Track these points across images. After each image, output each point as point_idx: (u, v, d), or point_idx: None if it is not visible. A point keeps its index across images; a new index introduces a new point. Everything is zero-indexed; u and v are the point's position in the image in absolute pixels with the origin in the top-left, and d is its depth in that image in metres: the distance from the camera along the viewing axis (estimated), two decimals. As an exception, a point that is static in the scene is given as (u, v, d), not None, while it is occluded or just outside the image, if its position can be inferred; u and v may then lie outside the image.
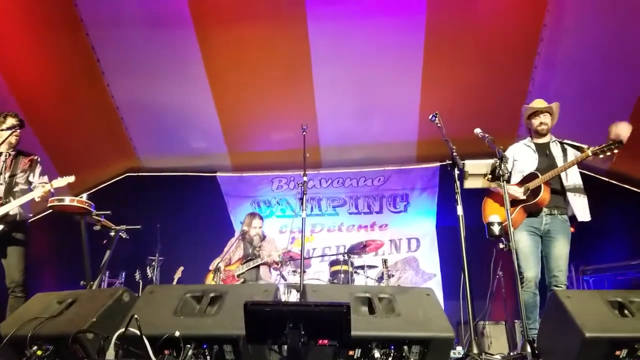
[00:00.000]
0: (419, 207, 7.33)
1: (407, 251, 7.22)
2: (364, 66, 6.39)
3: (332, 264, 5.95)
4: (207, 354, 2.38)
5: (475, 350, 2.72)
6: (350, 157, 7.59)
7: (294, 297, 4.98)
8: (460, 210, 3.15)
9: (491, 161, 3.48)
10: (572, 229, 3.81)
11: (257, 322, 2.12)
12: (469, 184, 3.61)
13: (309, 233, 6.98)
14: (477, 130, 3.78)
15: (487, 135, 3.63)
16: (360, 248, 5.90)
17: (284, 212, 7.72)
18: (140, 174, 8.04)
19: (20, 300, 3.74)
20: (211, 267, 5.34)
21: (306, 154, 4.09)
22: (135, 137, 7.55)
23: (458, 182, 3.26)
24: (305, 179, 3.86)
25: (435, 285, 6.72)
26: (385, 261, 5.92)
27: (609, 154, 3.43)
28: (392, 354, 2.44)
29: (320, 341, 2.13)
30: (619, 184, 6.95)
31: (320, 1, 5.76)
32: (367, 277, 5.81)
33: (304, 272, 5.15)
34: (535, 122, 3.88)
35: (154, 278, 5.94)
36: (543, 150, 3.84)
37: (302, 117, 6.82)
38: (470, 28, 5.83)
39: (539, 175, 3.66)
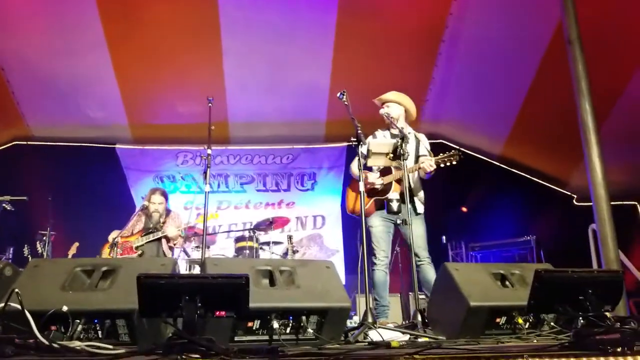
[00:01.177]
0: (325, 185, 7.52)
1: (312, 228, 7.40)
2: (276, 42, 6.33)
3: (238, 240, 5.95)
4: (98, 329, 2.30)
5: (369, 320, 2.88)
6: (260, 134, 7.56)
7: (197, 272, 4.92)
8: (362, 186, 3.29)
9: (393, 141, 3.66)
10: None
11: (151, 295, 2.07)
12: (372, 162, 3.78)
13: (214, 210, 6.89)
14: (382, 111, 3.97)
15: (391, 115, 3.84)
16: (266, 225, 5.94)
17: (189, 188, 7.53)
18: (29, 142, 7.38)
19: None
20: (109, 238, 5.09)
21: (211, 126, 4.01)
22: (24, 102, 6.89)
23: (362, 159, 3.41)
24: (209, 151, 3.79)
25: (338, 261, 6.98)
26: (290, 237, 6.03)
27: (448, 164, 3.81)
28: (290, 324, 2.52)
29: (218, 313, 2.14)
30: (508, 168, 7.66)
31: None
32: (272, 253, 5.89)
33: (208, 247, 5.12)
34: (382, 111, 4.13)
35: (44, 254, 5.54)
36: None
37: (210, 90, 6.60)
38: (380, 14, 6.00)
39: (393, 171, 4.00)
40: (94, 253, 5.45)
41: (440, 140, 7.48)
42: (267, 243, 5.94)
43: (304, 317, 2.54)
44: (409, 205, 3.60)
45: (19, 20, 5.79)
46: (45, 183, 6.44)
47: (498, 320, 2.77)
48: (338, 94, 3.70)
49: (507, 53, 6.11)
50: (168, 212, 5.44)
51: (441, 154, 3.87)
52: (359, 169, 3.39)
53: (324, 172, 7.57)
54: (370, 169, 4.12)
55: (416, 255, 3.70)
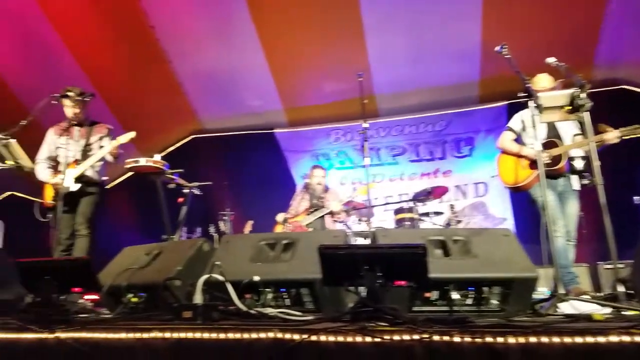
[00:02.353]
0: (485, 150, 7.02)
1: (474, 196, 7.01)
2: (416, 4, 6.07)
3: (397, 212, 5.94)
4: (285, 297, 2.47)
5: (561, 291, 2.61)
6: (408, 103, 7.35)
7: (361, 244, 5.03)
8: (538, 145, 2.98)
9: (569, 91, 3.23)
10: None
11: (332, 265, 2.16)
12: (545, 118, 3.38)
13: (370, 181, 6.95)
14: (551, 60, 3.51)
15: (562, 63, 3.38)
16: (424, 195, 5.82)
17: (343, 164, 7.70)
18: (203, 135, 8.28)
19: (82, 239, 4.01)
20: (278, 219, 5.49)
21: (364, 100, 3.99)
22: (195, 100, 7.72)
23: (535, 116, 3.07)
24: (365, 125, 3.78)
25: (508, 230, 6.50)
26: (452, 206, 5.82)
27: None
28: (471, 296, 2.42)
29: (397, 282, 2.14)
30: None
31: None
32: (434, 224, 5.75)
33: (368, 220, 5.20)
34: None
35: (226, 231, 6.21)
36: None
37: (354, 65, 6.64)
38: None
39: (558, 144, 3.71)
40: (266, 228, 5.93)
41: (622, 87, 6.47)
42: (427, 214, 5.82)
43: (485, 288, 2.41)
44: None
45: (189, 27, 6.44)
46: (220, 170, 7.20)
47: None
48: (497, 48, 3.36)
49: None
50: (327, 188, 5.65)
51: (627, 127, 3.45)
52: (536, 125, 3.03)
53: (481, 136, 7.10)
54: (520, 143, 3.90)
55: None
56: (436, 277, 2.32)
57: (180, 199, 4.69)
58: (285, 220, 5.19)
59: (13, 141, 3.73)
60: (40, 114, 3.87)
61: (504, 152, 4.07)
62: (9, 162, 3.73)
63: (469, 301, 2.42)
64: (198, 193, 4.65)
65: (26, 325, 1.95)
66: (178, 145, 8.28)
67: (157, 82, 7.12)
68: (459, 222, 5.76)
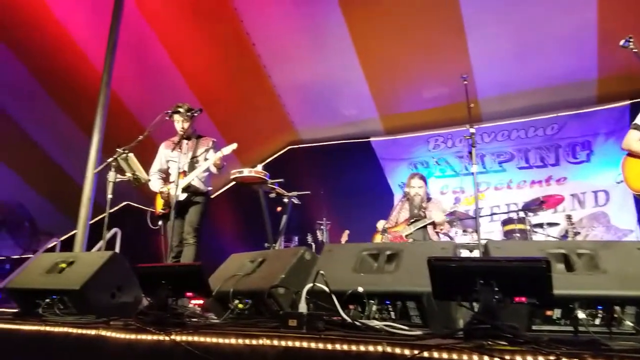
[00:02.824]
0: (604, 155, 6.33)
1: (593, 206, 6.34)
2: (521, 2, 5.69)
3: (505, 222, 5.56)
4: (390, 309, 2.37)
5: None
6: (515, 106, 6.91)
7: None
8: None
9: None
10: None
11: (443, 278, 2.02)
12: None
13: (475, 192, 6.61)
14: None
15: None
16: (536, 204, 5.39)
17: (444, 172, 7.41)
18: (300, 145, 8.46)
19: (190, 247, 4.20)
20: (378, 227, 5.38)
21: (470, 104, 3.77)
22: (292, 111, 7.95)
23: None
24: (472, 130, 3.57)
25: (634, 243, 5.81)
26: (569, 217, 5.32)
27: None
28: (599, 315, 2.15)
29: (517, 299, 1.95)
30: None
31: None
32: (548, 236, 5.29)
33: (474, 231, 4.91)
34: None
35: (323, 240, 6.25)
36: None
37: (455, 69, 6.39)
38: None
39: None
40: (363, 239, 5.84)
41: None
42: (540, 225, 5.38)
43: (617, 308, 2.12)
44: None
45: (286, 41, 6.64)
46: (316, 179, 7.27)
47: None
48: (621, 42, 3.03)
49: None
50: (429, 198, 5.43)
51: None
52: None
53: (601, 139, 6.42)
54: None
55: None
56: (559, 293, 2.08)
57: (279, 208, 4.79)
58: (384, 230, 5.07)
59: (131, 155, 4.04)
60: (154, 129, 4.19)
61: (631, 154, 3.62)
62: (128, 175, 4.04)
63: (597, 321, 2.15)
64: (297, 202, 4.72)
65: (145, 326, 2.06)
66: (276, 155, 8.53)
67: (257, 96, 7.44)
68: (576, 234, 5.24)
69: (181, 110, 4.33)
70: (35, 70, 7.00)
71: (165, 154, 4.56)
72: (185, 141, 4.42)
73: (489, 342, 1.68)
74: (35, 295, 2.97)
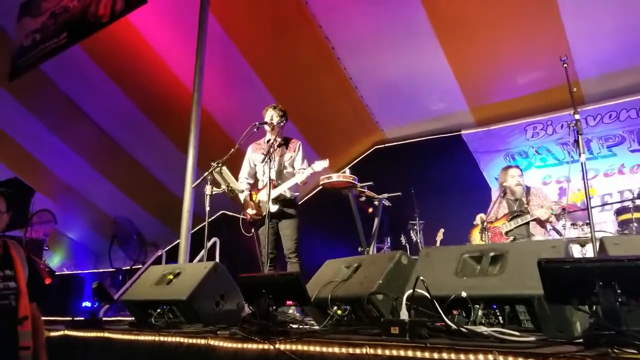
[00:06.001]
0: None
1: None
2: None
3: (619, 212, 5.06)
4: (497, 314, 2.23)
5: None
6: (620, 85, 6.25)
7: (577, 252, 4.38)
8: None
9: None
10: None
11: (556, 281, 1.87)
12: None
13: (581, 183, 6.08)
14: None
15: None
16: (656, 190, 4.84)
17: (545, 162, 6.91)
18: (386, 145, 8.35)
19: (294, 265, 4.25)
20: (476, 221, 5.12)
21: (573, 88, 3.46)
22: (376, 111, 7.88)
23: None
24: (577, 117, 3.27)
25: None
26: (694, 202, 4.72)
27: None
28: None
29: (647, 301, 1.75)
30: None
31: None
32: (670, 225, 4.72)
33: (587, 224, 4.51)
34: None
35: (418, 241, 6.10)
36: None
37: (551, 52, 5.94)
38: None
39: None
40: (460, 237, 5.63)
41: None
42: (661, 212, 4.81)
43: None
44: None
45: (365, 37, 6.59)
46: (406, 178, 7.12)
47: None
48: None
49: None
50: (528, 189, 5.08)
51: None
52: None
53: None
54: None
55: None
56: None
57: (370, 210, 4.73)
58: (484, 228, 4.81)
59: (225, 168, 4.17)
60: (245, 141, 4.32)
61: None
62: (223, 187, 4.21)
63: None
64: (388, 204, 4.64)
65: (250, 336, 2.13)
66: (362, 157, 8.50)
67: (340, 99, 7.49)
68: None
69: (268, 121, 4.42)
70: (133, 95, 7.65)
71: (253, 158, 4.63)
72: (272, 145, 4.41)
73: (615, 350, 1.55)
74: (148, 306, 3.22)
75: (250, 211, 4.43)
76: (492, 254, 2.47)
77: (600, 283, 1.76)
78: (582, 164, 3.13)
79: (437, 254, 2.66)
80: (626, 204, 5.08)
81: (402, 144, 8.18)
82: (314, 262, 3.35)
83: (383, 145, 8.41)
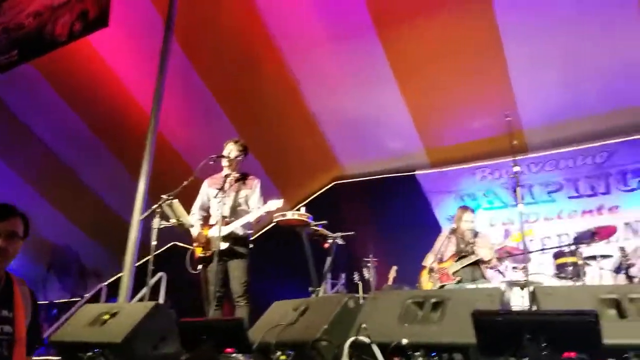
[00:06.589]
0: (658, 181, 6.06)
1: (648, 234, 6.05)
2: (566, 32, 5.64)
3: (557, 256, 5.35)
4: (436, 361, 2.33)
5: None
6: (562, 135, 6.71)
7: (517, 296, 4.60)
8: None
9: None
10: None
11: (489, 332, 1.98)
12: None
13: (525, 225, 6.39)
14: None
15: None
16: (588, 236, 5.15)
17: (492, 204, 7.23)
18: (345, 181, 8.49)
19: (243, 308, 4.08)
20: (425, 263, 5.30)
21: (513, 141, 3.72)
22: (336, 147, 8.02)
23: None
24: (517, 168, 3.50)
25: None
26: (622, 249, 5.10)
27: None
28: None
29: (566, 354, 1.89)
30: None
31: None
32: (601, 269, 5.06)
33: (525, 267, 4.75)
34: None
35: (370, 279, 6.18)
36: None
37: (499, 101, 6.36)
38: None
39: None
40: (411, 275, 5.75)
41: None
42: (594, 257, 5.14)
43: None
44: None
45: (329, 74, 6.79)
46: (363, 215, 7.26)
47: None
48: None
49: None
50: (476, 233, 5.32)
51: None
52: None
53: (654, 166, 6.16)
54: None
55: None
56: (611, 343, 2.00)
57: (326, 245, 4.77)
58: (431, 269, 5.00)
59: (176, 201, 4.03)
60: (200, 174, 4.26)
61: None
62: (172, 221, 4.11)
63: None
64: (341, 242, 4.72)
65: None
66: (321, 191, 8.59)
67: (301, 133, 7.60)
68: (630, 266, 5.00)
69: (225, 155, 4.34)
70: (85, 116, 7.39)
71: (208, 193, 4.47)
72: (229, 181, 4.29)
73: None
74: (79, 348, 2.93)
75: (199, 247, 4.29)
76: (433, 300, 2.57)
77: (528, 336, 1.88)
78: (519, 213, 3.34)
79: (383, 298, 2.74)
80: (563, 248, 5.39)
81: (360, 180, 8.31)
82: (265, 301, 3.33)
83: (343, 181, 8.52)
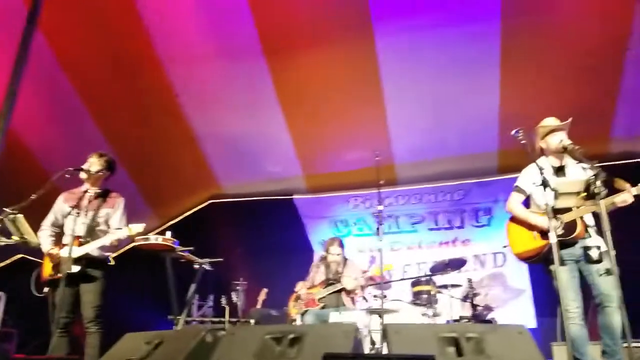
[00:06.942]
0: (503, 220, 6.85)
1: (493, 266, 6.83)
2: (437, 78, 6.21)
3: (414, 284, 5.84)
4: (290, 399, 2.35)
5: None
6: (427, 172, 7.38)
7: (375, 323, 4.86)
8: (553, 237, 2.92)
9: (584, 178, 3.20)
10: None
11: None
12: (560, 203, 3.32)
13: (388, 253, 6.82)
14: (566, 142, 3.46)
15: (577, 146, 3.36)
16: (442, 268, 5.70)
17: (362, 231, 7.64)
18: (222, 200, 8.35)
19: (94, 335, 3.76)
20: (296, 289, 5.42)
21: (380, 181, 3.98)
22: (216, 165, 7.85)
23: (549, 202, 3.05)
24: (380, 207, 3.74)
25: (526, 301, 6.37)
26: (470, 280, 5.71)
27: None
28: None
29: (405, 392, 2.04)
30: None
31: (387, 18, 5.66)
32: (452, 297, 5.58)
33: (385, 296, 5.05)
34: (565, 142, 3.46)
35: (238, 303, 6.10)
36: (562, 173, 3.55)
37: (375, 135, 6.79)
38: (549, 32, 5.47)
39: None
40: (282, 298, 5.80)
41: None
42: (445, 286, 5.66)
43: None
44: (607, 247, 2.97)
45: (212, 91, 6.63)
46: (236, 236, 7.18)
47: None
48: (513, 132, 3.41)
49: None
50: (345, 260, 5.55)
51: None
52: (549, 216, 2.98)
53: (500, 206, 6.97)
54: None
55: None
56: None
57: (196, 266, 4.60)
58: (298, 297, 5.11)
59: (20, 216, 3.63)
60: (53, 187, 3.73)
61: (513, 219, 3.80)
62: (15, 238, 3.65)
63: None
64: (209, 268, 4.58)
65: None
66: (196, 209, 8.35)
67: (178, 148, 7.31)
68: (475, 295, 5.62)
69: (85, 168, 3.93)
70: None
71: (62, 209, 4.00)
72: (88, 197, 3.91)
73: None
74: None
75: (48, 267, 3.86)
76: (291, 336, 2.61)
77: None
78: (378, 249, 3.56)
79: (241, 333, 2.73)
80: (421, 277, 5.88)
81: (237, 201, 8.25)
82: (121, 328, 3.10)
83: (219, 200, 8.37)
